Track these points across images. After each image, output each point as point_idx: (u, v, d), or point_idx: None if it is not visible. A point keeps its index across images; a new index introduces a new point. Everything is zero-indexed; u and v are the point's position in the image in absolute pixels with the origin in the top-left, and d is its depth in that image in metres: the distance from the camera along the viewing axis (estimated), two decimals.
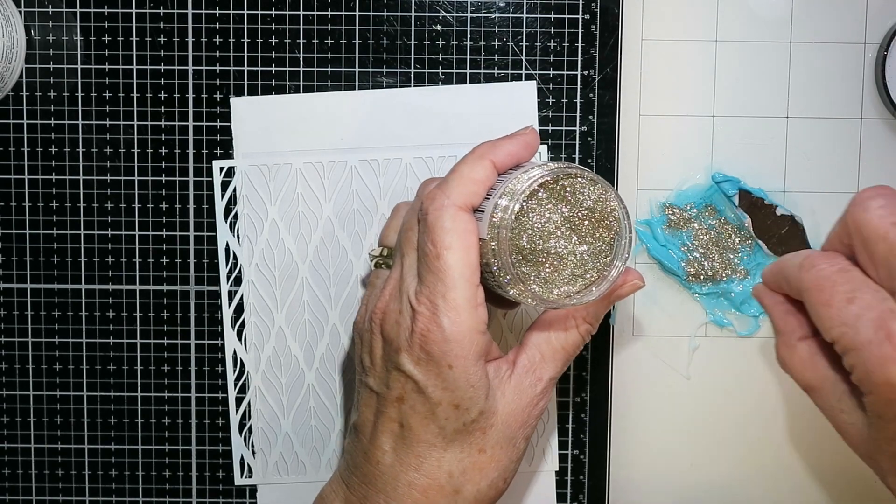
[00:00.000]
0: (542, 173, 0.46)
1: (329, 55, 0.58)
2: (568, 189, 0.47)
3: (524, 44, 0.58)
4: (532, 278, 0.47)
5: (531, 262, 0.47)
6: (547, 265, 0.47)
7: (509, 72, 0.58)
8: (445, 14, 0.58)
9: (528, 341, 0.50)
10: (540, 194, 0.46)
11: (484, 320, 0.47)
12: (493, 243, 0.46)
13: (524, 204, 0.46)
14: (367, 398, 0.50)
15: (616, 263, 0.48)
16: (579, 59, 0.58)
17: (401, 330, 0.48)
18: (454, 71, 0.58)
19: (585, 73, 0.58)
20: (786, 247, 0.59)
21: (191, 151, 0.59)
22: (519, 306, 0.55)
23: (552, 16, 0.58)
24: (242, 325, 0.59)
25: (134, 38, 0.58)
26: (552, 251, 0.47)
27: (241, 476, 0.60)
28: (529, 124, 0.50)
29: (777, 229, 0.59)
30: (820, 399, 0.47)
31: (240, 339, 0.59)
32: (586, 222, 0.47)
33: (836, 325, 0.42)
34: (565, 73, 0.58)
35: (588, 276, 0.47)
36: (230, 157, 0.59)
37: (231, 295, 0.59)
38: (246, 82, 0.58)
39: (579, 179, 0.47)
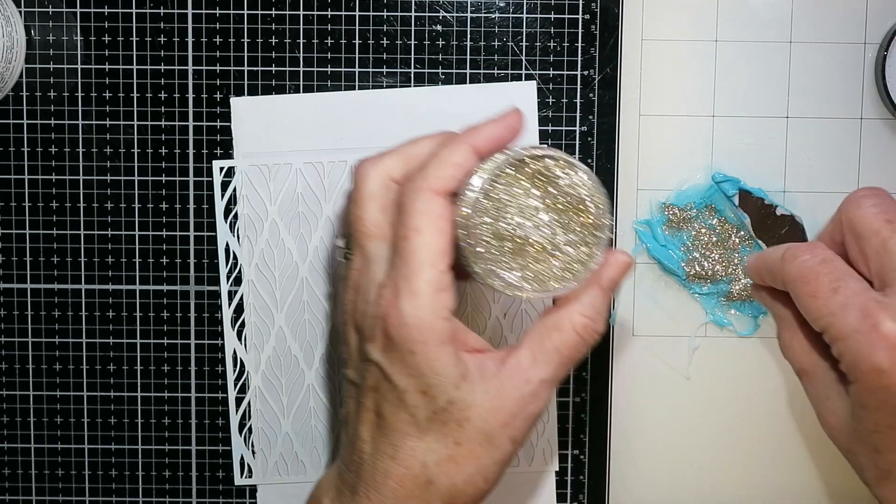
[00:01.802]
0: (515, 155, 0.45)
1: (329, 55, 0.58)
2: (545, 173, 0.46)
3: (524, 44, 0.58)
4: (508, 265, 0.46)
5: (506, 247, 0.46)
6: (523, 251, 0.46)
7: (509, 72, 0.58)
8: (445, 14, 0.58)
9: (522, 341, 0.49)
10: (516, 177, 0.45)
11: (447, 306, 0.46)
12: (463, 225, 0.45)
13: (497, 185, 0.45)
14: (349, 390, 0.50)
15: (596, 250, 0.46)
16: (579, 59, 0.58)
17: (367, 318, 0.47)
18: (454, 71, 0.58)
19: (585, 73, 0.58)
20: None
21: (191, 151, 0.59)
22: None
23: (552, 16, 0.58)
24: (242, 325, 0.59)
25: (134, 38, 0.58)
26: (528, 236, 0.46)
27: (241, 476, 0.60)
28: (516, 107, 0.49)
29: (777, 229, 0.59)
30: (810, 384, 0.49)
31: (240, 339, 0.59)
32: (564, 208, 0.46)
33: (824, 314, 0.44)
34: (565, 73, 0.58)
35: (569, 264, 0.46)
36: (230, 157, 0.59)
37: (231, 295, 0.59)
38: (246, 82, 0.58)
39: (557, 163, 0.46)
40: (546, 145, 0.54)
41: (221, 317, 0.60)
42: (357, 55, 0.58)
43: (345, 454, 0.50)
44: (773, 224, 0.59)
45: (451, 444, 0.47)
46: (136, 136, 0.59)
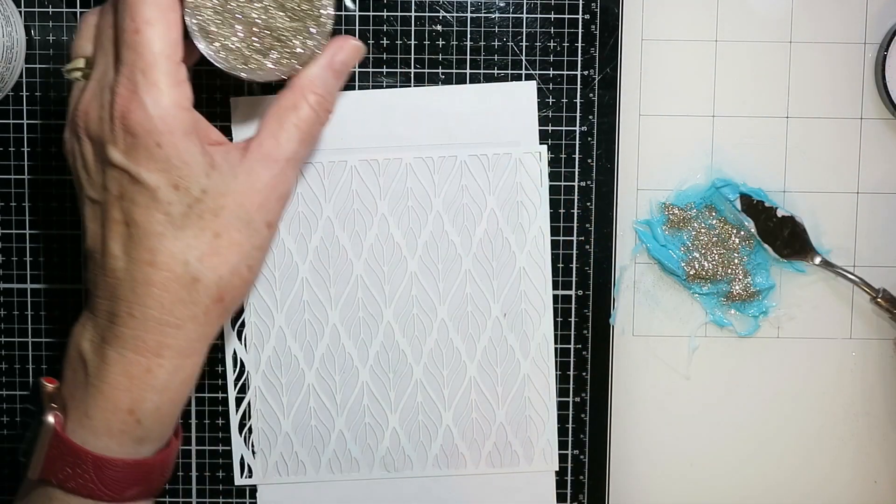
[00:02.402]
0: None
1: None
2: None
3: (524, 44, 0.58)
4: (237, 48, 0.49)
5: (233, 29, 0.48)
6: (251, 34, 0.49)
7: (509, 72, 0.58)
8: (445, 14, 0.58)
9: (261, 128, 0.50)
10: None
11: (188, 97, 0.48)
12: (192, 7, 0.48)
13: None
14: (91, 212, 0.49)
15: (318, 36, 0.49)
16: (579, 59, 0.58)
17: (104, 123, 0.47)
18: (454, 71, 0.58)
19: (585, 73, 0.58)
20: (790, 249, 0.59)
21: None
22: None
23: (552, 16, 0.58)
24: (242, 325, 0.59)
25: None
26: (253, 20, 0.49)
27: (241, 476, 0.60)
28: None
29: (780, 232, 0.59)
30: None
31: (240, 339, 0.59)
32: None
33: None
34: (565, 73, 0.58)
35: (294, 49, 0.49)
36: None
37: None
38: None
39: None
40: None
41: None
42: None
43: (96, 287, 0.49)
44: (775, 227, 0.59)
45: (210, 237, 0.48)
46: None
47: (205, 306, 0.48)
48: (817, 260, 0.59)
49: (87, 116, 0.48)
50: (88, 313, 0.50)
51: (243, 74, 0.50)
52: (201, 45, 0.49)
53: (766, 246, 0.59)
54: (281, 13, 0.49)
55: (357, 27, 0.58)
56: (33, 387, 0.52)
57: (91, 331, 0.49)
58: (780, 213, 0.59)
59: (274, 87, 0.58)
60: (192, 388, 0.50)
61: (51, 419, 0.49)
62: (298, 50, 0.50)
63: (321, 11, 0.50)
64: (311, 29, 0.50)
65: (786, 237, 0.59)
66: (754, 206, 0.59)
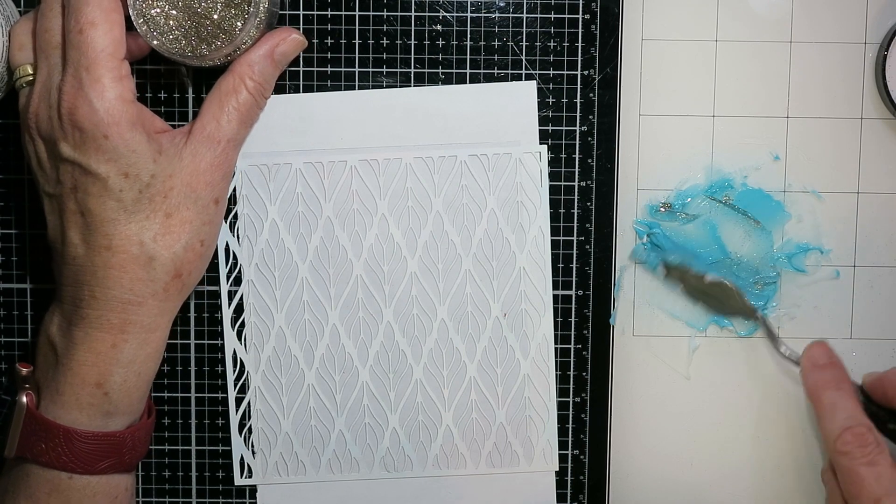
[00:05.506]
0: None
1: (329, 55, 0.58)
2: None
3: (524, 44, 0.58)
4: (180, 33, 0.51)
5: (174, 17, 0.51)
6: (189, 20, 0.51)
7: (509, 72, 0.58)
8: (445, 14, 0.58)
9: (203, 111, 0.53)
10: None
11: (131, 90, 0.51)
12: (137, 8, 0.51)
13: None
14: (49, 206, 0.53)
15: (251, 18, 0.51)
16: (579, 59, 0.58)
17: (53, 121, 0.50)
18: (454, 71, 0.58)
19: (585, 72, 0.58)
20: (728, 310, 0.59)
21: None
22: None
23: (552, 16, 0.58)
24: (242, 325, 0.59)
25: None
26: (191, 7, 0.51)
27: (241, 476, 0.60)
28: None
29: (713, 293, 0.58)
30: None
31: (240, 339, 0.59)
32: None
33: None
34: (565, 73, 0.58)
35: (233, 33, 0.51)
36: None
37: (231, 295, 0.59)
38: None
39: None
40: None
41: (221, 317, 0.60)
42: (357, 55, 0.58)
43: (60, 276, 0.52)
44: (707, 290, 0.58)
45: (162, 217, 0.51)
46: None
47: (164, 283, 0.52)
48: (758, 315, 0.59)
49: (37, 118, 0.51)
50: (56, 302, 0.53)
51: (188, 62, 0.52)
52: (147, 37, 0.51)
53: (700, 304, 0.59)
54: (220, 1, 0.51)
55: (357, 27, 0.58)
56: (9, 372, 0.56)
57: (58, 317, 0.52)
58: (708, 279, 0.58)
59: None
60: (158, 362, 0.54)
61: (24, 399, 0.52)
62: (237, 35, 0.51)
63: (258, 4, 0.52)
64: (248, 15, 0.51)
65: (721, 298, 0.58)
66: (678, 272, 0.58)
